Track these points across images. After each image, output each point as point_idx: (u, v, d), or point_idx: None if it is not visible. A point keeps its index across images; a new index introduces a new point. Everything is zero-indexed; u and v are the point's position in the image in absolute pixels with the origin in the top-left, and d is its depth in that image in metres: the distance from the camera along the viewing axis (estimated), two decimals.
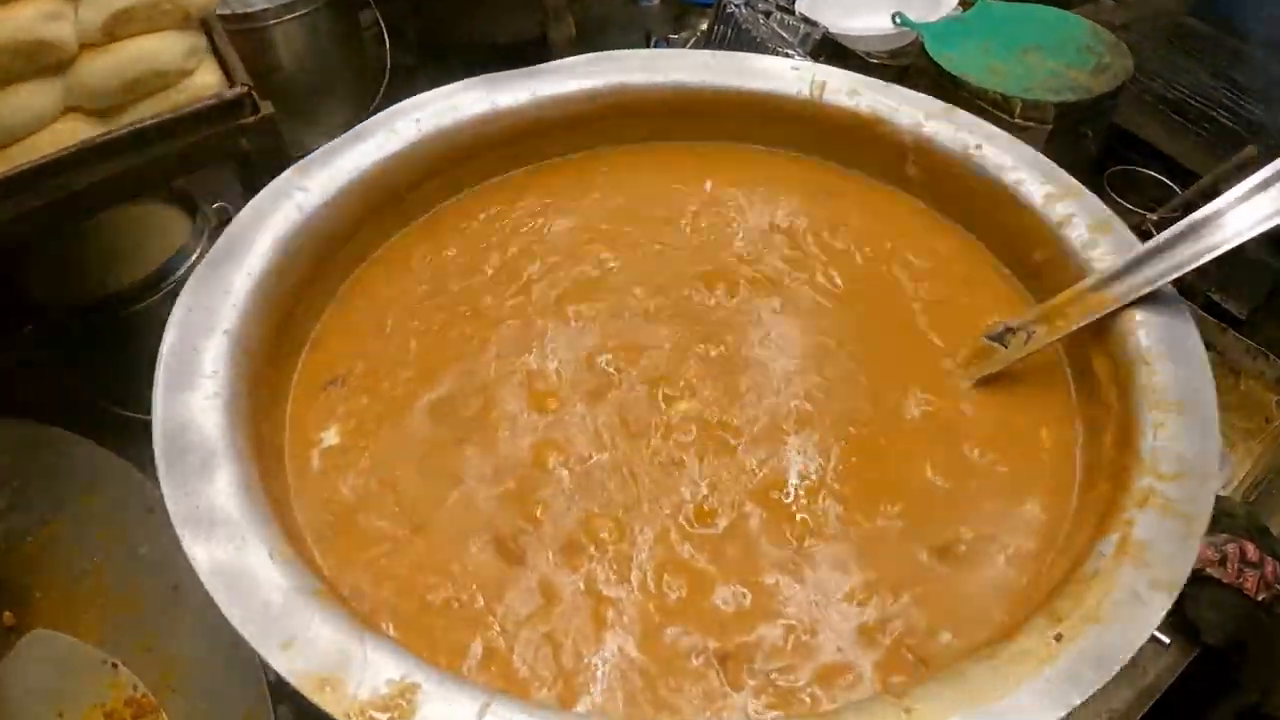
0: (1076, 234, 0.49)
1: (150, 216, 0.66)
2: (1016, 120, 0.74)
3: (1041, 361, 0.48)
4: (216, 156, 0.58)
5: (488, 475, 0.43)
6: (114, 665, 0.52)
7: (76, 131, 0.55)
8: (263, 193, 0.49)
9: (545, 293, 0.51)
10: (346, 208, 0.50)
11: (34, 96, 0.53)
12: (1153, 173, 0.84)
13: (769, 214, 0.56)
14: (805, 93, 0.56)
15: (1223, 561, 0.65)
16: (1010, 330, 0.47)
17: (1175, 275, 0.44)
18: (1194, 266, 0.44)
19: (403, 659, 0.33)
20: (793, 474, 0.44)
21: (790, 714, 0.37)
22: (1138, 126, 0.88)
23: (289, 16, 0.80)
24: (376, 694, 0.32)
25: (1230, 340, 0.79)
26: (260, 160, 0.58)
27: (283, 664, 0.33)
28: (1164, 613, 0.35)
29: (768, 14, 0.78)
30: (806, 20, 0.80)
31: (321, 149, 0.51)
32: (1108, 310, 0.45)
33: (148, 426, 0.39)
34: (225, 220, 0.65)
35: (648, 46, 0.90)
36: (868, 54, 0.86)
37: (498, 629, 0.39)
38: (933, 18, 0.84)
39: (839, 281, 0.52)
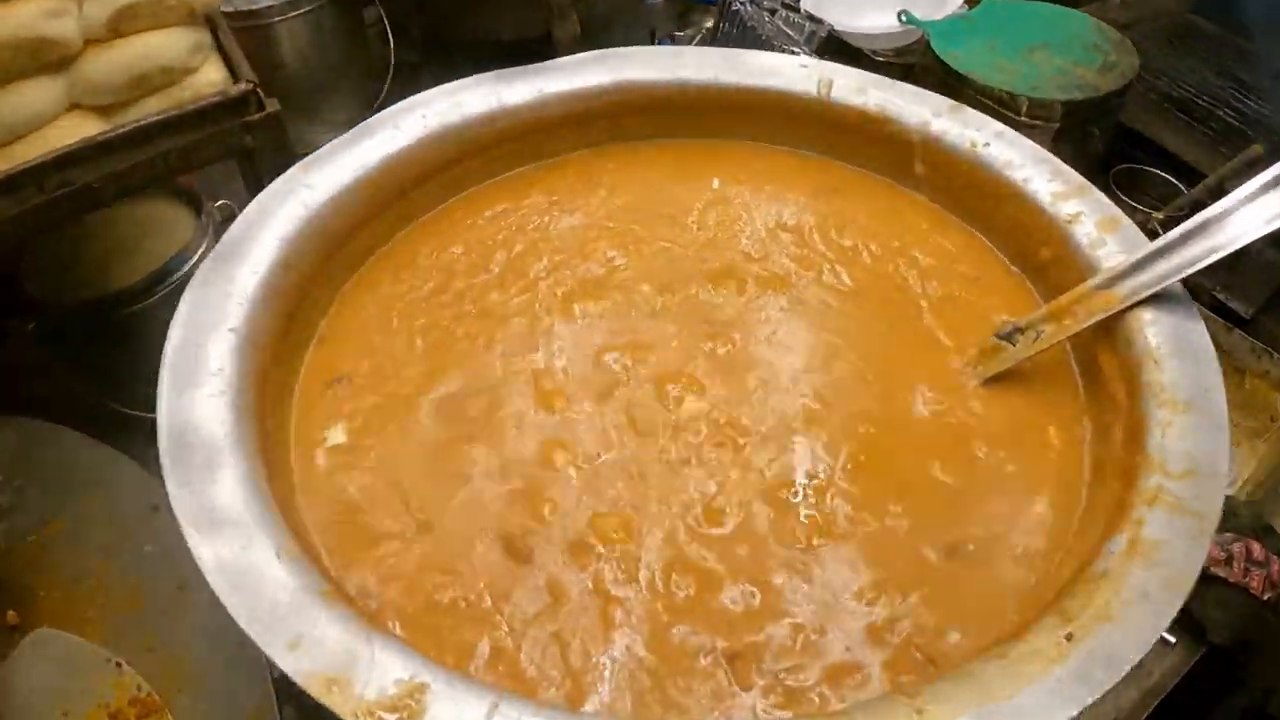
0: (1084, 232, 0.49)
1: (153, 214, 0.66)
2: (1023, 119, 0.74)
3: (1049, 360, 0.48)
4: (221, 153, 0.58)
5: (495, 474, 0.43)
6: (118, 665, 0.51)
7: (80, 128, 0.54)
8: (268, 189, 0.48)
9: (552, 290, 0.51)
10: (352, 205, 0.50)
11: (37, 93, 0.53)
12: (1158, 171, 0.84)
13: (776, 212, 0.56)
14: (813, 90, 0.56)
15: (1229, 561, 0.65)
16: (1018, 329, 0.47)
17: (1184, 274, 0.44)
18: (1203, 265, 0.43)
19: (411, 659, 0.33)
20: (801, 473, 0.44)
21: (799, 714, 0.36)
22: (1143, 125, 0.88)
23: (293, 13, 0.80)
24: (384, 694, 0.32)
25: (1235, 339, 0.79)
26: (265, 157, 0.58)
27: (290, 664, 0.32)
28: (1175, 612, 0.35)
29: (773, 11, 0.78)
30: (812, 18, 0.80)
31: (327, 146, 0.50)
32: (1116, 309, 0.45)
33: (151, 424, 0.39)
34: (229, 218, 0.65)
35: (652, 44, 0.90)
36: (873, 52, 0.86)
37: (505, 628, 0.38)
38: (938, 16, 0.84)
39: (846, 279, 0.52)
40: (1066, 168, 0.52)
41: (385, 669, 0.32)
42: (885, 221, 0.55)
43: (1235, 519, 0.67)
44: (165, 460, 0.38)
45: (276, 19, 0.79)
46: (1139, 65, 0.80)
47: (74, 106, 0.55)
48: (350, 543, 0.41)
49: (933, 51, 0.78)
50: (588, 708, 0.36)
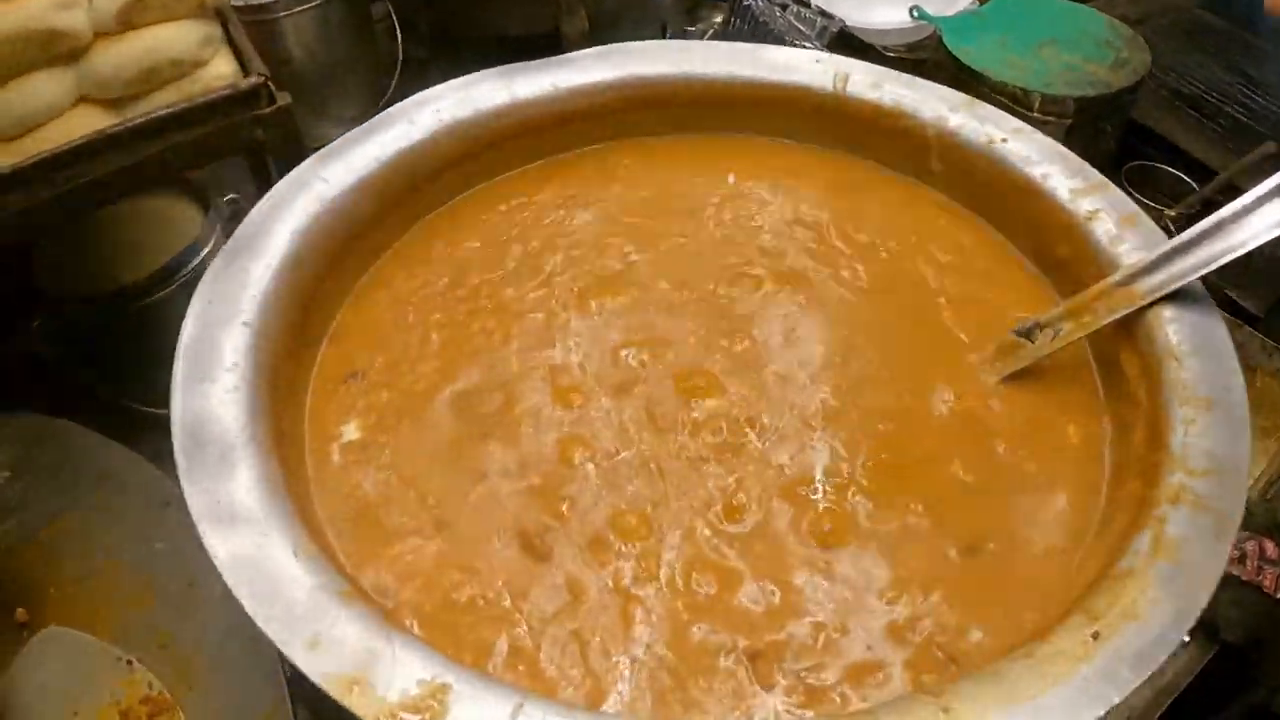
0: (1103, 229, 0.49)
1: (162, 209, 0.65)
2: (1035, 115, 0.73)
3: (1068, 358, 0.48)
4: (232, 147, 0.57)
5: (512, 471, 0.43)
6: (129, 663, 0.51)
7: (90, 122, 0.54)
8: (281, 183, 0.48)
9: (568, 286, 0.50)
10: (366, 199, 0.49)
11: (47, 86, 0.53)
12: (1169, 168, 0.83)
13: (792, 207, 0.55)
14: (828, 85, 0.56)
15: (1242, 559, 0.64)
16: (1037, 326, 0.47)
17: (1203, 271, 0.44)
18: (1223, 262, 0.43)
19: (432, 659, 0.32)
20: (820, 471, 0.43)
21: (822, 713, 0.36)
22: (1154, 121, 0.87)
23: (300, 8, 0.79)
24: (406, 695, 0.31)
25: (1246, 337, 0.79)
26: (275, 151, 0.57)
27: (309, 664, 0.32)
28: (1200, 610, 0.35)
29: (784, 6, 0.78)
30: (823, 13, 0.80)
31: (341, 139, 0.50)
32: (1136, 306, 0.45)
33: (160, 420, 0.39)
34: (237, 213, 0.65)
35: (663, 39, 0.90)
36: (884, 48, 0.85)
37: (524, 627, 0.38)
38: (950, 11, 0.84)
39: (863, 276, 0.52)
40: (1085, 164, 0.52)
41: (407, 669, 0.32)
42: (902, 218, 0.55)
43: (1249, 517, 0.66)
44: (180, 457, 0.38)
45: (283, 13, 0.79)
46: (1150, 61, 0.79)
47: (83, 100, 0.55)
48: (366, 540, 0.41)
49: (945, 47, 0.77)
50: (608, 707, 0.36)
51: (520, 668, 0.37)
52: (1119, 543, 0.38)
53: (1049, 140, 0.53)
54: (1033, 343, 0.47)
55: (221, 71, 0.57)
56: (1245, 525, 0.65)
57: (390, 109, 0.52)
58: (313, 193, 0.48)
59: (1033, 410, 0.46)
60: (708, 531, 0.41)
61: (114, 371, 0.65)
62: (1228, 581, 0.63)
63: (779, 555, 0.40)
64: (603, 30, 0.81)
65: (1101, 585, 0.36)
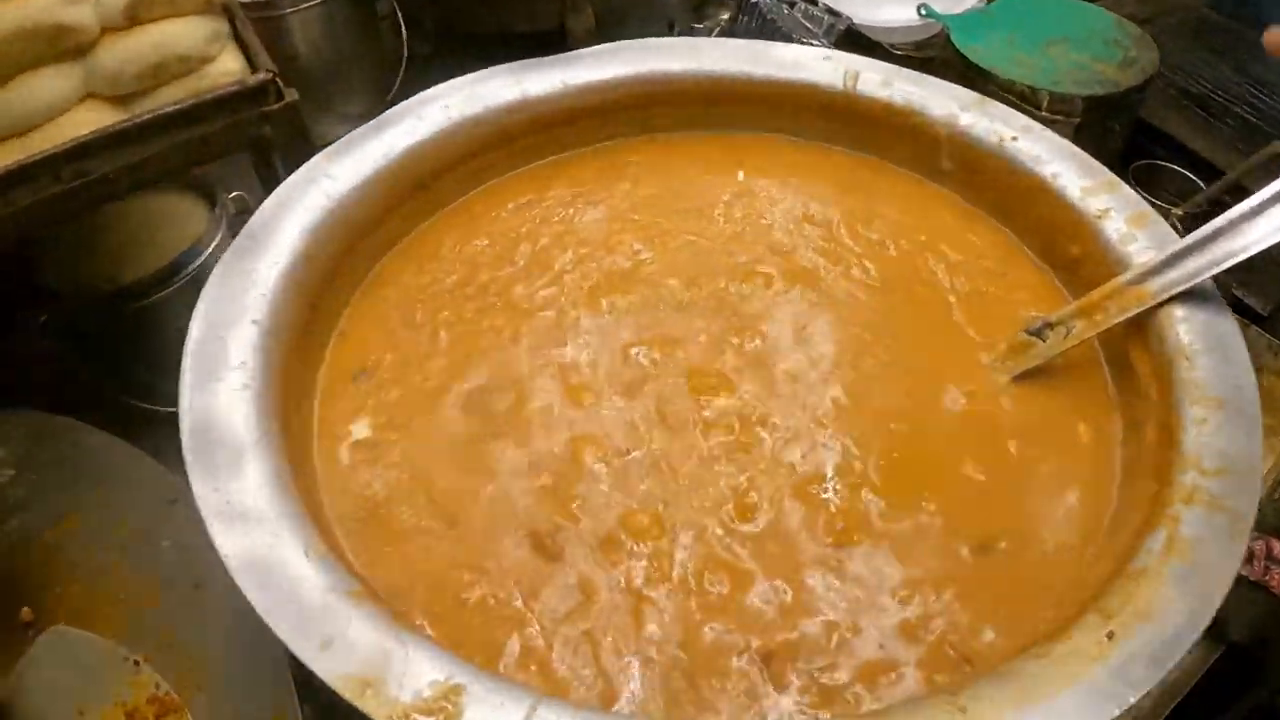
0: (1114, 228, 0.49)
1: (167, 206, 0.65)
2: (1044, 113, 0.73)
3: (1079, 356, 0.47)
4: (238, 144, 0.57)
5: (523, 470, 0.43)
6: (136, 662, 0.50)
7: (96, 118, 0.53)
8: (289, 180, 0.48)
9: (577, 284, 0.50)
10: (374, 195, 0.49)
11: (53, 81, 0.52)
12: (1177, 167, 0.83)
13: (802, 205, 0.55)
14: (838, 83, 0.56)
15: (1249, 558, 0.64)
16: (1048, 325, 0.47)
17: (1215, 270, 0.44)
18: (1234, 262, 0.43)
19: (446, 660, 0.32)
20: (832, 469, 0.43)
21: (836, 713, 0.36)
22: (1161, 120, 0.87)
23: (305, 5, 0.78)
24: (420, 697, 0.31)
25: (1252, 336, 0.78)
26: (282, 148, 0.57)
27: (322, 666, 0.32)
28: (1215, 610, 0.35)
29: (792, 4, 0.77)
30: (831, 11, 0.79)
31: (348, 136, 0.50)
32: (1148, 305, 0.45)
33: (165, 419, 0.39)
34: (242, 210, 0.64)
35: (671, 36, 0.89)
36: (892, 46, 0.85)
37: (536, 627, 0.38)
38: (958, 9, 0.83)
39: (874, 274, 0.52)
40: (1095, 162, 0.51)
41: (420, 670, 0.32)
42: (912, 216, 0.55)
43: (1256, 517, 0.66)
44: (189, 456, 0.38)
45: (288, 10, 0.78)
46: (1159, 61, 0.79)
47: (90, 96, 0.54)
48: (376, 539, 0.41)
49: (952, 45, 0.77)
50: (621, 708, 0.36)
51: (532, 668, 0.37)
52: (1132, 541, 0.38)
53: (1060, 139, 0.53)
54: (1044, 341, 0.47)
55: (229, 68, 0.56)
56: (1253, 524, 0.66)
57: (398, 105, 0.52)
58: (320, 190, 0.47)
59: (1044, 409, 0.46)
60: (720, 531, 0.41)
61: (118, 369, 0.65)
62: (1235, 581, 0.64)
63: (791, 554, 0.40)
64: (609, 27, 0.81)
65: (1115, 584, 0.36)
